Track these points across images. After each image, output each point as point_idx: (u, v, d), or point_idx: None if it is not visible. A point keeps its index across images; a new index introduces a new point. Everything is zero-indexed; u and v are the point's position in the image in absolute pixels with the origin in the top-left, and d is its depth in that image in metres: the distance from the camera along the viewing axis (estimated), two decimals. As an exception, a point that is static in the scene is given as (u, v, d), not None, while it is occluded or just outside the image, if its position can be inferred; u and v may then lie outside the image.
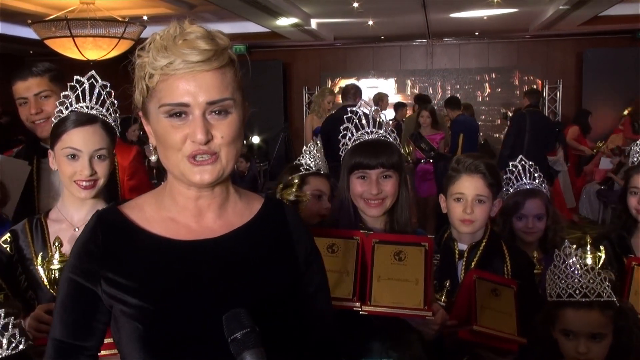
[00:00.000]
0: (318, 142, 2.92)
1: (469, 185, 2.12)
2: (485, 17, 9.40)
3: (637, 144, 2.36)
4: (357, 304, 1.74)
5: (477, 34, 11.48)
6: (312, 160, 2.82)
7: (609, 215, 8.04)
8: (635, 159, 2.31)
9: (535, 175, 2.59)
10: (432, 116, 7.14)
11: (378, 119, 1.95)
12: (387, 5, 8.14)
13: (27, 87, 2.40)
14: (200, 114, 1.13)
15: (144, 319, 1.16)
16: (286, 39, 10.74)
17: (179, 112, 1.14)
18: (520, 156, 2.57)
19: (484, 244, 2.14)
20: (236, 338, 1.09)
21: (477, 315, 1.89)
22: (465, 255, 2.14)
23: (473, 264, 2.11)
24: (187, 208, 1.24)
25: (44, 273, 1.82)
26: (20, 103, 2.44)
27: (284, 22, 8.81)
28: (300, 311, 1.29)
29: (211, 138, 1.15)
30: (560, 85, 11.54)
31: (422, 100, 9.02)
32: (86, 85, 1.91)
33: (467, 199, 2.11)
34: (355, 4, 7.89)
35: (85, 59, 6.65)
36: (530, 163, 2.58)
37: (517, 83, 11.71)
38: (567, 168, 8.62)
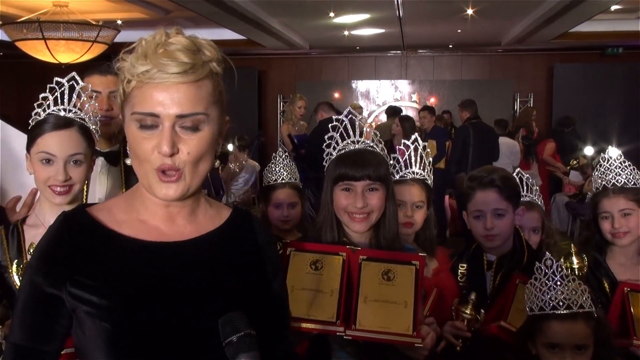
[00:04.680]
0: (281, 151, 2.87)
1: (484, 201, 2.08)
2: (459, 31, 9.52)
3: (597, 169, 2.30)
4: (341, 329, 1.64)
5: (450, 46, 11.63)
6: (283, 169, 2.78)
7: (577, 227, 8.16)
8: (598, 185, 2.25)
9: (533, 188, 2.54)
10: (403, 126, 7.09)
11: (365, 129, 1.85)
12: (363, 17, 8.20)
13: (105, 82, 2.30)
14: (170, 125, 1.12)
15: (112, 319, 1.13)
16: (261, 47, 10.72)
17: (149, 123, 1.13)
18: (518, 169, 2.52)
19: (513, 253, 2.11)
20: (231, 341, 1.09)
21: (509, 314, 1.93)
22: (494, 265, 2.10)
23: (501, 274, 2.08)
24: (157, 213, 1.22)
25: (19, 280, 1.75)
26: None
27: (271, 43, 8.81)
28: (266, 320, 1.26)
29: (177, 152, 1.13)
30: (532, 99, 11.72)
31: (392, 112, 9.09)
32: (66, 88, 1.84)
33: (485, 214, 2.08)
34: (332, 14, 7.93)
35: (57, 62, 6.55)
36: (527, 176, 2.52)
37: (489, 96, 11.84)
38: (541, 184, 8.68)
